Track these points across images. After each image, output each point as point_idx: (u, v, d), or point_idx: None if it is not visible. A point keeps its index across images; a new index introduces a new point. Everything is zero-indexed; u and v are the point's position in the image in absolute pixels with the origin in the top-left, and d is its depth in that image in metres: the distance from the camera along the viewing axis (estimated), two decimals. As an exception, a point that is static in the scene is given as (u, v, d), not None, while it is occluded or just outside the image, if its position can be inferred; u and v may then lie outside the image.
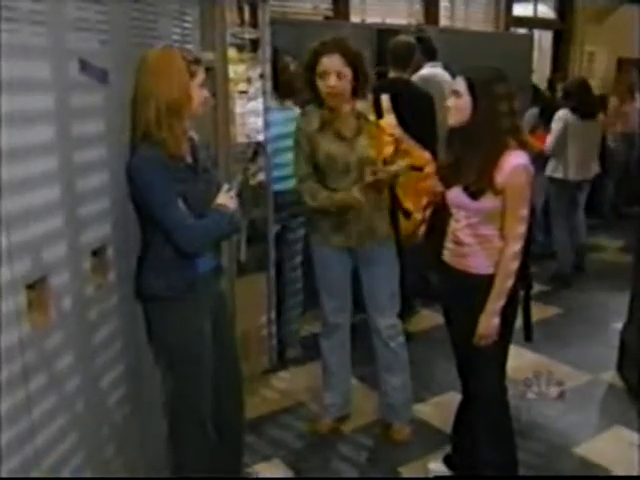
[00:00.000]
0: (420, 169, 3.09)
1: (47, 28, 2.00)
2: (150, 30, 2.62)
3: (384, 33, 5.38)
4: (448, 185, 2.72)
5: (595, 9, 8.13)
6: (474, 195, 2.58)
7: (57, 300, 2.09)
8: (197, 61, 2.33)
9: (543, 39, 8.41)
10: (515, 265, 2.58)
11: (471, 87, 2.54)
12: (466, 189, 2.60)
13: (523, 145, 2.61)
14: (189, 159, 2.44)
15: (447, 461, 3.07)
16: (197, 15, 3.09)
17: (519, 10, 7.88)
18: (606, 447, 3.41)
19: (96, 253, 2.35)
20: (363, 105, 3.06)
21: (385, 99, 3.06)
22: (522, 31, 7.96)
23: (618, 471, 3.19)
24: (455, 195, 2.67)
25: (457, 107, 2.58)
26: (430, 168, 3.06)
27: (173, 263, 2.38)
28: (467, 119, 2.57)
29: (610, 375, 4.13)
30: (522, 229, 2.58)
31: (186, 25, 2.89)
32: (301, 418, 3.67)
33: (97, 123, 2.33)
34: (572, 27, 8.17)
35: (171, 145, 2.27)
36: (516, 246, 2.58)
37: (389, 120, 3.02)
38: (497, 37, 7.17)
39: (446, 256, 2.80)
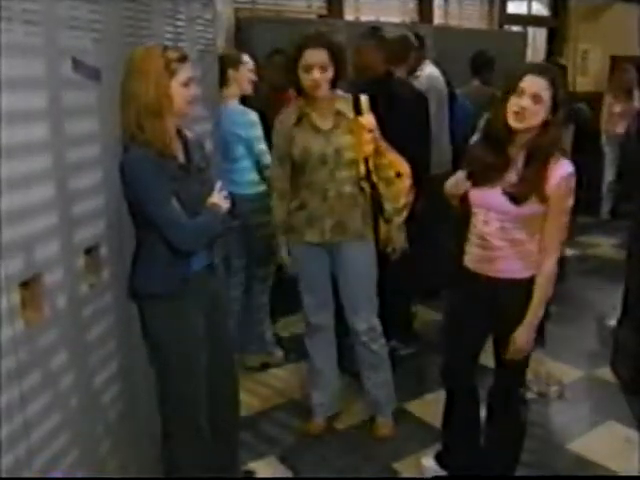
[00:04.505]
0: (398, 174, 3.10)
1: (40, 27, 2.01)
2: (143, 29, 2.62)
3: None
4: (479, 184, 2.56)
5: (588, 7, 8.15)
6: (516, 200, 2.46)
7: (51, 298, 2.10)
8: (182, 59, 2.31)
9: (537, 37, 8.43)
10: (554, 277, 2.55)
11: (554, 87, 2.39)
12: (506, 193, 2.47)
13: (563, 152, 2.53)
14: (182, 158, 2.43)
15: (438, 459, 3.08)
16: (191, 14, 3.08)
17: (513, 8, 7.90)
18: (600, 443, 3.43)
19: (89, 251, 2.35)
20: (342, 104, 3.08)
21: (364, 99, 3.05)
22: (516, 29, 7.98)
23: (612, 466, 3.21)
24: (493, 197, 2.51)
25: (535, 112, 2.38)
26: (405, 170, 3.07)
27: (166, 261, 2.38)
28: (536, 125, 2.41)
29: (603, 371, 4.15)
30: (562, 239, 2.54)
31: (179, 23, 2.89)
32: (295, 415, 3.68)
33: (90, 121, 2.33)
34: (566, 25, 8.20)
35: (158, 145, 2.27)
36: (555, 258, 2.52)
37: (369, 118, 3.02)
38: (491, 35, 7.18)
39: (469, 262, 2.68)
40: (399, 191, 3.12)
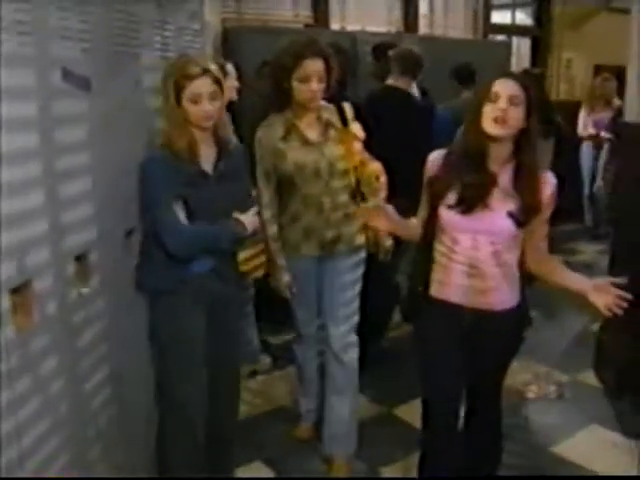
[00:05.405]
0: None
1: (32, 37, 2.03)
2: (132, 39, 2.65)
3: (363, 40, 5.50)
4: (469, 209, 2.34)
5: (572, 16, 8.23)
6: (523, 222, 2.33)
7: (41, 304, 2.12)
8: (191, 76, 2.38)
9: (521, 46, 8.51)
10: None
11: (527, 93, 2.28)
12: (512, 215, 2.31)
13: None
14: (208, 165, 2.51)
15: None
16: (179, 24, 3.11)
17: (497, 17, 7.98)
18: (583, 445, 3.48)
19: (79, 258, 2.37)
20: (329, 114, 3.01)
21: (348, 107, 2.99)
22: (500, 38, 8.06)
23: (595, 468, 3.26)
24: (494, 221, 2.33)
25: (515, 115, 2.24)
26: (384, 179, 2.97)
27: (163, 261, 2.48)
28: (516, 131, 2.29)
29: (587, 375, 4.21)
30: None
31: (167, 34, 2.92)
32: (282, 421, 3.71)
33: (80, 130, 2.36)
34: (550, 34, 8.27)
35: (174, 149, 2.42)
36: None
37: (356, 128, 2.96)
38: (476, 44, 7.25)
39: (451, 295, 2.43)
40: (378, 190, 2.98)
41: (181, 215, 2.45)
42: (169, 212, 2.38)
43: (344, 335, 3.17)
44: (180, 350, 2.52)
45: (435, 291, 2.47)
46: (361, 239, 3.12)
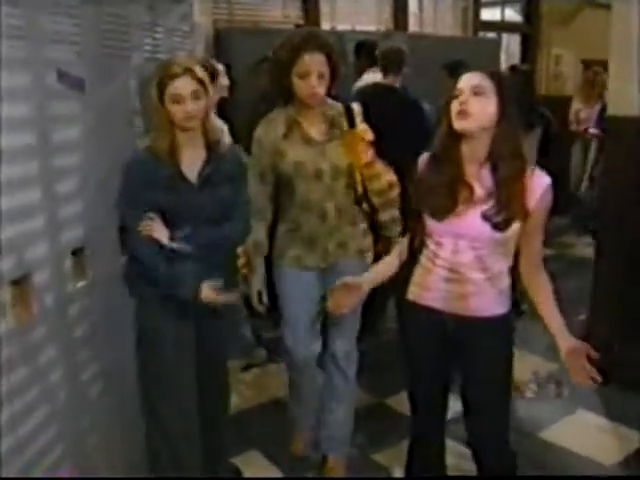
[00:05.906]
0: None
1: (27, 41, 2.12)
2: (123, 41, 2.72)
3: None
4: (443, 212, 2.23)
5: (560, 13, 8.30)
6: (500, 226, 2.17)
7: (39, 296, 2.20)
8: (172, 75, 2.34)
9: (511, 43, 8.59)
10: None
11: (499, 86, 2.16)
12: (487, 218, 2.17)
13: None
14: (189, 169, 2.45)
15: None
16: (170, 25, 3.18)
17: (487, 15, 8.04)
18: (569, 430, 3.58)
19: (75, 253, 2.45)
20: (335, 113, 2.82)
21: (357, 108, 2.86)
22: (490, 35, 8.13)
23: (579, 451, 3.35)
24: (470, 225, 2.20)
25: (479, 106, 2.12)
26: (394, 179, 2.87)
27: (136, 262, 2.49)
28: (488, 126, 2.16)
29: (575, 364, 4.27)
30: None
31: (157, 35, 2.99)
32: (277, 413, 3.74)
33: (74, 130, 2.43)
34: (539, 31, 8.34)
35: (155, 151, 2.40)
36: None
37: (365, 129, 2.79)
38: (466, 42, 7.30)
39: (433, 300, 2.33)
40: (392, 200, 2.91)
41: (161, 229, 2.40)
42: (136, 229, 2.38)
43: (349, 344, 3.05)
44: (161, 350, 2.50)
45: (416, 295, 2.38)
46: (366, 242, 2.97)
